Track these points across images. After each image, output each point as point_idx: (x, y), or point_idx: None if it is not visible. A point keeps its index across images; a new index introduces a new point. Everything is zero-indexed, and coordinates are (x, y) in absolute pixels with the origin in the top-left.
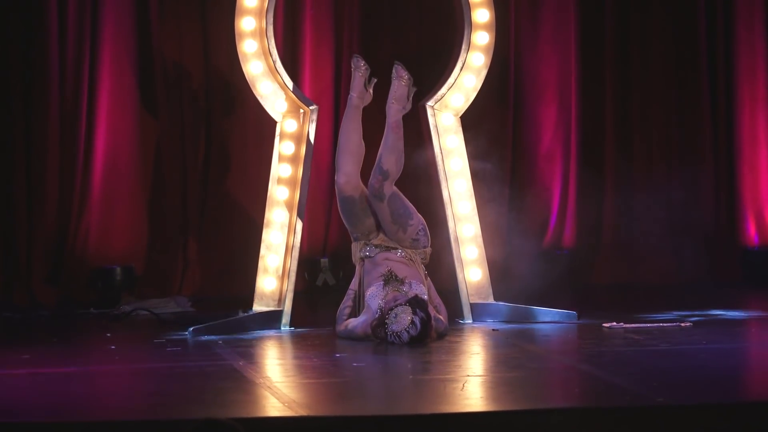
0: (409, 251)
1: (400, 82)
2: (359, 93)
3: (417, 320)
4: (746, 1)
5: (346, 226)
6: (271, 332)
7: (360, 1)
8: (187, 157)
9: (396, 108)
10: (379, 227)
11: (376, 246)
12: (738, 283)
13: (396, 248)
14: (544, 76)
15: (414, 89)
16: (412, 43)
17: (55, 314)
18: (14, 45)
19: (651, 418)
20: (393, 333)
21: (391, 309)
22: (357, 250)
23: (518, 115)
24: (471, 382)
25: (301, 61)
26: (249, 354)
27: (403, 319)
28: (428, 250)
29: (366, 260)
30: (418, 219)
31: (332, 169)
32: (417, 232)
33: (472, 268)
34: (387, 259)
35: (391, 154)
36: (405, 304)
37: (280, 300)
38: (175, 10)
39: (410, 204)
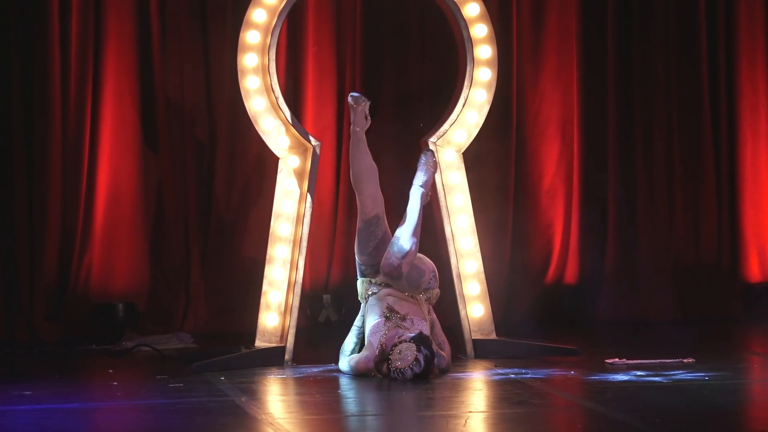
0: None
1: (429, 169)
2: (362, 126)
3: (421, 357)
4: (748, 39)
5: (361, 254)
6: (274, 368)
7: (362, 37)
8: (189, 193)
9: (423, 193)
10: None
11: (380, 284)
12: (740, 319)
13: None
14: (546, 113)
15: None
16: (415, 80)
17: (57, 350)
18: (16, 83)
19: None
20: (396, 370)
21: (395, 345)
22: (363, 288)
23: (520, 151)
24: (473, 419)
25: (303, 98)
26: (251, 390)
27: (407, 356)
28: (435, 291)
29: (370, 297)
30: (428, 269)
31: (334, 206)
32: (428, 282)
33: (474, 305)
34: (389, 294)
35: (413, 236)
36: (409, 341)
37: (283, 336)
38: (178, 47)
39: (421, 257)
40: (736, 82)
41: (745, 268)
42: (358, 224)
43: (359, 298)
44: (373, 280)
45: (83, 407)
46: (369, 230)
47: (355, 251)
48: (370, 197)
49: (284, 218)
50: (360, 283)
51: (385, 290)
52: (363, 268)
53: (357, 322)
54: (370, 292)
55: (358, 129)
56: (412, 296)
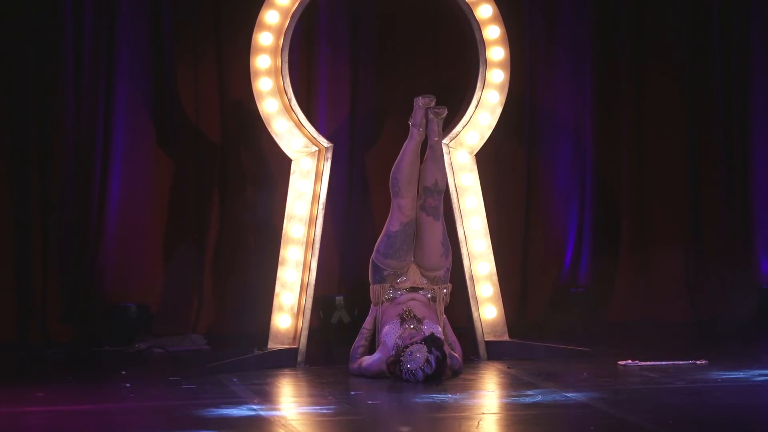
0: (435, 288)
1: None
2: (425, 128)
3: (432, 359)
4: (761, 38)
5: (391, 258)
6: (286, 370)
7: (376, 39)
8: (203, 195)
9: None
10: (407, 269)
11: (404, 289)
12: (753, 321)
13: (422, 288)
14: (560, 114)
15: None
16: (428, 81)
17: (70, 352)
18: (30, 84)
19: None
20: (408, 371)
21: (407, 347)
22: (380, 293)
23: (533, 153)
24: (486, 420)
25: (316, 99)
26: (264, 392)
27: (419, 358)
28: (449, 286)
29: (386, 302)
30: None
31: (347, 207)
32: (449, 263)
33: (487, 306)
34: (412, 299)
35: (445, 174)
36: (421, 343)
37: (295, 338)
38: (191, 49)
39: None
40: (749, 78)
41: (758, 270)
42: (393, 227)
43: (373, 303)
44: (395, 287)
45: (96, 409)
46: (406, 233)
47: (381, 255)
48: (413, 200)
49: (297, 220)
50: (375, 289)
51: (408, 294)
52: (386, 273)
53: (366, 324)
54: (387, 297)
55: (420, 129)
56: (433, 298)
